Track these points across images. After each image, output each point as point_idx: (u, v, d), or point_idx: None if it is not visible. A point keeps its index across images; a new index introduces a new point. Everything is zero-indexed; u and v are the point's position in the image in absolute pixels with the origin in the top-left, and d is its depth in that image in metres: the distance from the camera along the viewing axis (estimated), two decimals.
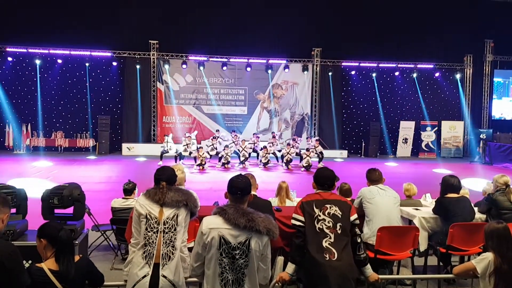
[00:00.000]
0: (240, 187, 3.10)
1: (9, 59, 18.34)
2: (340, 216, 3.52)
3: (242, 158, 15.74)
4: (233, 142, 16.66)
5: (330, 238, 3.44)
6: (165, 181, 3.34)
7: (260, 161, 15.95)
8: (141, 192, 6.34)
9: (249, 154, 16.12)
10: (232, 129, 18.57)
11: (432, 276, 4.79)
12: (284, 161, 15.74)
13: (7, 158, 16.63)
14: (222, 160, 15.55)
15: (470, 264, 3.69)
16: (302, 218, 3.54)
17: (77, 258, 3.10)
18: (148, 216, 3.23)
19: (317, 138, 17.48)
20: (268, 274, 3.11)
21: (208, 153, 15.64)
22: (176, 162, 15.46)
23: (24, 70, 18.68)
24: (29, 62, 18.47)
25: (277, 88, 20.51)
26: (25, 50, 18.30)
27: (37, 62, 18.16)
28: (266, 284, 3.17)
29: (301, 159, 15.80)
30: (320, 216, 3.50)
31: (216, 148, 16.12)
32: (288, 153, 15.59)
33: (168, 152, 16.10)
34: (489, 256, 3.58)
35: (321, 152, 16.34)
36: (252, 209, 3.06)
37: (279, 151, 16.63)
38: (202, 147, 15.74)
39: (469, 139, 21.43)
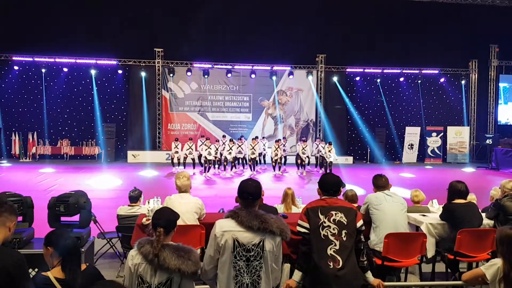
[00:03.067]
0: (250, 192, 3.10)
1: (15, 68, 18.47)
2: (345, 223, 3.47)
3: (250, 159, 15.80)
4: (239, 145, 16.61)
5: (335, 245, 3.39)
6: (163, 227, 2.91)
7: (272, 166, 16.04)
8: (146, 199, 6.38)
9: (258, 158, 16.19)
10: (241, 135, 18.55)
11: (440, 283, 4.74)
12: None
13: (13, 166, 16.73)
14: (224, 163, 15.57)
15: (479, 271, 3.62)
16: (307, 225, 3.51)
17: (83, 266, 3.09)
18: (139, 278, 2.88)
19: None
20: (279, 275, 3.12)
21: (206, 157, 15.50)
22: (184, 168, 15.59)
23: (30, 78, 18.81)
24: (35, 70, 18.62)
25: (282, 95, 20.53)
26: (31, 59, 18.45)
27: (43, 70, 18.29)
28: (276, 285, 3.16)
29: (320, 164, 16.00)
30: (325, 222, 3.46)
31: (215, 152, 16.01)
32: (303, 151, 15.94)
33: (174, 158, 16.05)
34: (498, 262, 3.51)
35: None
36: (263, 211, 3.06)
37: (285, 157, 16.64)
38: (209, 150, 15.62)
39: (475, 144, 21.33)
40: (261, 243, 2.93)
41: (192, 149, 16.05)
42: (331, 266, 3.33)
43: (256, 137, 17.09)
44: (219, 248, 2.96)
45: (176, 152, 15.95)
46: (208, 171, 15.22)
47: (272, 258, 3.00)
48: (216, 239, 2.97)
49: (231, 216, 3.02)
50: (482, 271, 3.55)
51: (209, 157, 15.26)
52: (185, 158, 16.00)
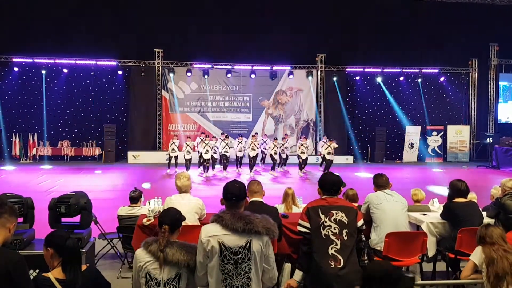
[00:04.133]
0: (234, 193, 3.10)
1: (15, 69, 18.45)
2: (346, 222, 3.48)
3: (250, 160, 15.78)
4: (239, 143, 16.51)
5: (337, 245, 3.40)
6: (168, 224, 3.08)
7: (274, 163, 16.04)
8: (147, 200, 6.38)
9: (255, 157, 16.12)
10: (240, 134, 18.49)
11: (441, 282, 4.72)
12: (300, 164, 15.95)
13: (14, 167, 16.72)
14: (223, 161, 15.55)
15: (469, 263, 3.81)
16: (307, 225, 3.51)
17: (84, 267, 3.08)
18: (147, 275, 2.99)
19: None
20: (274, 274, 3.07)
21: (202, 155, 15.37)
22: (187, 169, 15.46)
23: (30, 80, 18.81)
24: (35, 72, 18.62)
25: (282, 95, 20.53)
26: (31, 60, 18.44)
27: (43, 71, 18.29)
28: (273, 285, 3.13)
29: (323, 162, 16.13)
30: (326, 222, 3.46)
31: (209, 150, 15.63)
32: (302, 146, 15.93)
33: (171, 157, 15.93)
34: (479, 247, 3.81)
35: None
36: (248, 212, 3.04)
37: (286, 157, 16.62)
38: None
39: (475, 143, 21.32)
40: (248, 244, 2.91)
41: (190, 148, 15.95)
42: (333, 266, 3.34)
43: (256, 134, 17.22)
44: (207, 254, 2.93)
45: (173, 150, 15.80)
46: (207, 171, 15.22)
47: (262, 258, 2.97)
48: (202, 245, 2.95)
49: (215, 221, 3.00)
50: (471, 260, 3.81)
51: (206, 156, 15.13)
52: (189, 160, 15.82)
